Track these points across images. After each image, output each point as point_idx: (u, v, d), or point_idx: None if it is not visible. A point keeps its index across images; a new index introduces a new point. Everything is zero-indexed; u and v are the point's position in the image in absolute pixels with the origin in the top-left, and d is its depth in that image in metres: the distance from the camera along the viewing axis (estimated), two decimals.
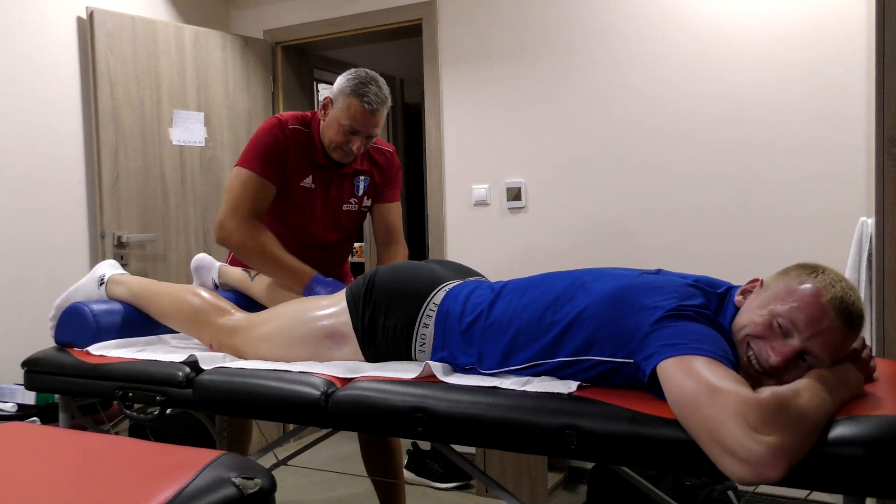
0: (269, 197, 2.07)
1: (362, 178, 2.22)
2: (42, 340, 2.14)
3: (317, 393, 1.47)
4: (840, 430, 1.05)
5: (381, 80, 2.06)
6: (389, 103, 2.07)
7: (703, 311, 1.27)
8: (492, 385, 1.38)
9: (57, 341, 1.98)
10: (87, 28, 3.07)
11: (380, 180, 2.27)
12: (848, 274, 2.30)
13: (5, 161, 2.79)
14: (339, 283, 2.01)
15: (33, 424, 1.38)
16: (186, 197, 3.40)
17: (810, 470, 1.04)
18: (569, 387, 1.32)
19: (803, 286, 1.23)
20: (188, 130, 3.40)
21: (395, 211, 2.32)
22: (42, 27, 2.93)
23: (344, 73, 2.07)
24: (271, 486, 1.00)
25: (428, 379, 1.45)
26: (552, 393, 1.30)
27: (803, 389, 1.08)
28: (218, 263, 2.30)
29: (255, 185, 2.04)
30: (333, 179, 2.16)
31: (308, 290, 1.99)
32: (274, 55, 3.79)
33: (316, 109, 2.13)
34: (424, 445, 3.35)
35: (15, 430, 1.25)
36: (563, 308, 1.41)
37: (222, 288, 2.24)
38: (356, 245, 5.13)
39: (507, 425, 1.28)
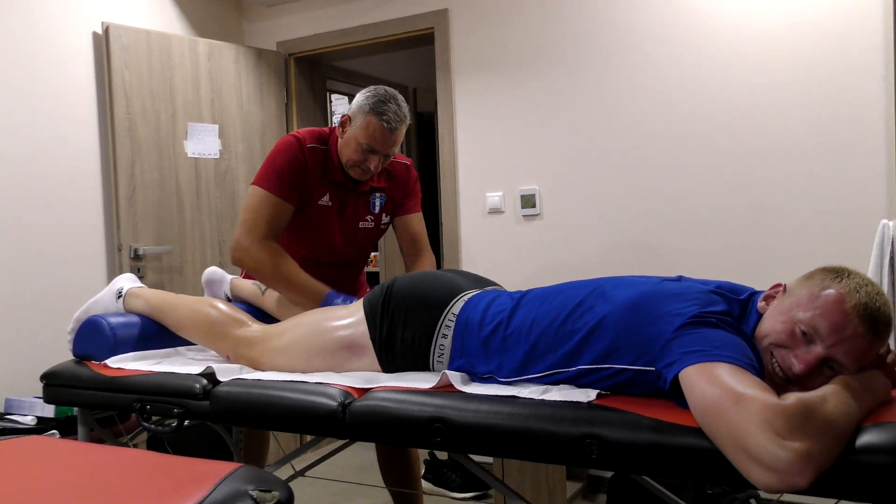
0: (286, 217, 2.05)
1: (378, 195, 2.20)
2: (60, 353, 2.15)
3: (334, 404, 1.46)
4: (868, 438, 1.03)
5: (401, 98, 2.03)
6: (408, 121, 2.04)
7: (726, 317, 1.25)
8: (510, 394, 1.36)
9: (75, 354, 1.98)
10: (102, 43, 3.10)
11: (398, 194, 2.25)
12: (870, 275, 2.27)
13: (23, 174, 2.82)
14: (352, 298, 2.00)
15: (51, 438, 1.38)
16: (202, 209, 3.42)
17: (838, 478, 1.02)
18: (588, 395, 1.30)
19: (826, 292, 1.21)
20: (203, 143, 3.42)
21: (417, 221, 2.30)
22: (58, 42, 2.97)
23: (363, 91, 2.05)
24: (289, 499, 0.99)
25: (445, 389, 1.44)
26: (572, 402, 1.29)
27: (830, 396, 1.06)
28: (229, 276, 2.30)
29: (273, 206, 2.02)
30: (350, 197, 2.15)
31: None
32: (287, 67, 3.81)
33: (329, 120, 2.13)
34: (442, 455, 3.33)
35: (33, 444, 1.25)
36: (583, 316, 1.40)
37: (234, 301, 2.24)
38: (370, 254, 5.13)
39: (526, 435, 1.26)
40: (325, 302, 1.97)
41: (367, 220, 2.20)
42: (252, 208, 2.02)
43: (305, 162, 2.05)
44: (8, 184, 2.76)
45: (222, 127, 3.49)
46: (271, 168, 2.04)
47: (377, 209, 2.21)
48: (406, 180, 2.27)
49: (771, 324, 1.26)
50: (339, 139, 2.08)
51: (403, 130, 2.04)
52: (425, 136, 5.16)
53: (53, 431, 2.42)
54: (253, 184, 2.06)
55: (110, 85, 3.09)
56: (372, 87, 2.04)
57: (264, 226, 2.00)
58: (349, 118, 2.05)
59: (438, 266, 2.84)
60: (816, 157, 2.67)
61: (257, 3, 3.82)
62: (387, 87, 2.04)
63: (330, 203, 2.12)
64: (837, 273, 1.24)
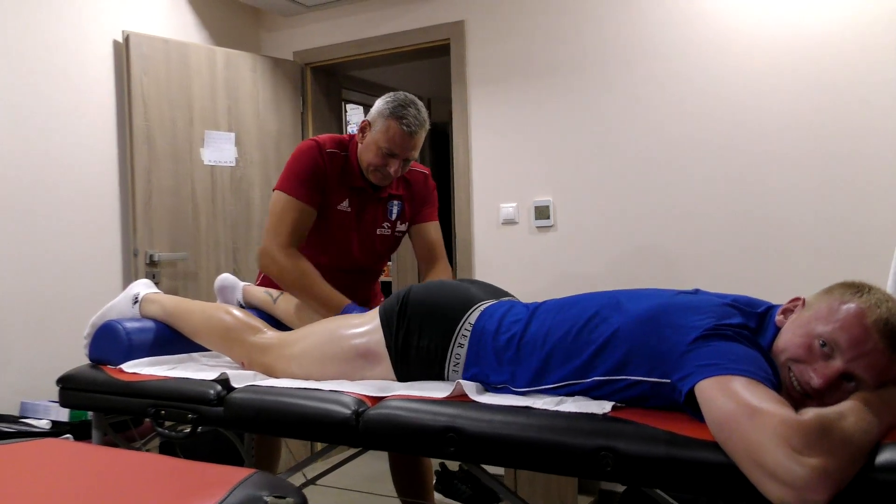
0: (310, 220, 2.07)
1: (395, 202, 2.22)
2: (76, 358, 2.16)
3: (347, 412, 1.46)
4: (887, 455, 1.01)
5: (420, 104, 2.05)
6: (427, 126, 2.06)
7: (742, 330, 1.24)
8: (524, 405, 1.36)
9: (91, 359, 2.00)
10: (122, 51, 3.13)
11: (416, 202, 2.26)
12: (890, 290, 2.25)
13: (41, 179, 2.84)
14: (371, 312, 2.00)
15: (65, 441, 1.39)
16: (217, 216, 3.44)
17: (856, 496, 1.00)
18: (603, 407, 1.30)
19: (846, 306, 1.20)
20: (219, 150, 3.44)
21: (434, 229, 2.31)
22: (80, 50, 3.00)
23: (383, 97, 2.07)
24: None
25: (459, 398, 1.43)
26: (586, 413, 1.28)
27: (848, 412, 1.04)
28: (242, 283, 2.31)
29: (296, 210, 2.04)
30: (368, 204, 2.16)
31: None
32: (303, 76, 3.84)
33: (344, 129, 2.14)
34: (453, 466, 3.32)
35: (47, 447, 1.26)
36: (598, 328, 1.39)
37: (246, 308, 2.25)
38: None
39: (540, 446, 1.26)
40: (345, 313, 1.97)
41: (384, 227, 2.21)
42: (276, 213, 2.05)
43: (325, 166, 2.07)
44: (26, 188, 2.79)
45: (238, 135, 3.51)
46: (293, 173, 2.07)
47: (394, 216, 2.22)
48: (424, 188, 2.28)
49: (789, 337, 1.24)
50: (360, 144, 2.10)
51: (423, 135, 2.05)
52: (439, 146, 5.17)
53: (68, 435, 2.43)
54: (275, 189, 2.09)
55: (129, 92, 3.12)
56: (392, 93, 2.06)
57: (289, 231, 2.03)
58: (369, 123, 2.07)
59: (452, 277, 2.84)
60: (834, 170, 2.66)
61: (274, 14, 3.86)
62: (406, 93, 2.06)
63: (349, 209, 2.13)
64: (858, 288, 1.23)
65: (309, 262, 2.03)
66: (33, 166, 2.82)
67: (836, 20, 2.64)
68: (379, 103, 2.06)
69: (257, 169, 3.56)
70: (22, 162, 2.78)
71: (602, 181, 3.09)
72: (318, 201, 2.08)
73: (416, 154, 2.08)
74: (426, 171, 2.32)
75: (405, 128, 2.00)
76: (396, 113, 2.00)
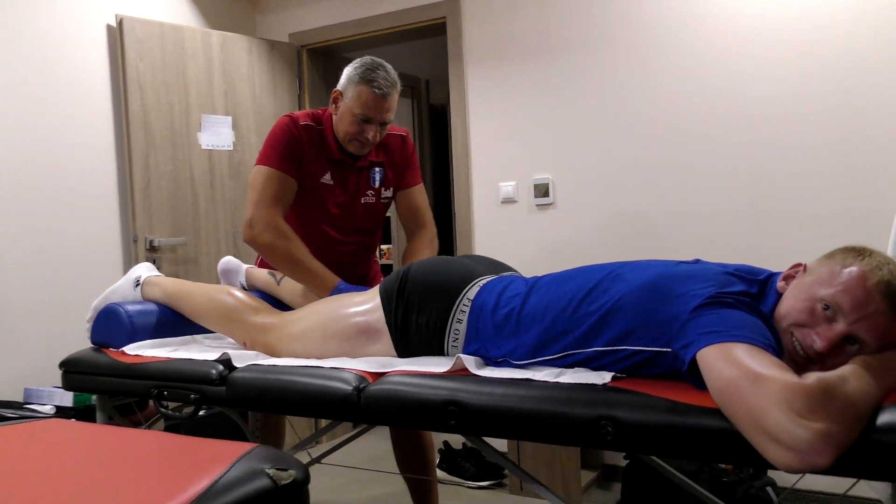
0: (291, 191, 2.07)
1: (377, 169, 2.21)
2: (79, 343, 2.17)
3: (349, 388, 1.46)
4: (888, 417, 1.02)
5: (388, 66, 2.05)
6: (399, 87, 2.06)
7: (743, 297, 1.24)
8: (524, 377, 1.36)
9: (93, 342, 2.01)
10: (116, 35, 3.12)
11: (398, 165, 2.25)
12: (890, 255, 2.24)
13: (39, 167, 2.84)
14: (363, 289, 2.00)
15: (71, 421, 1.40)
16: (216, 200, 3.43)
17: (857, 457, 1.01)
18: (603, 378, 1.30)
19: (848, 269, 1.20)
20: (216, 135, 3.43)
21: (419, 194, 2.30)
22: (73, 35, 2.99)
23: (350, 64, 2.06)
24: (305, 478, 0.99)
25: (460, 372, 1.44)
26: (586, 384, 1.28)
27: (850, 375, 1.05)
28: (245, 266, 2.31)
29: (277, 180, 2.04)
30: (350, 174, 2.16)
31: None
32: (299, 58, 3.82)
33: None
34: (456, 444, 3.34)
35: (53, 426, 1.27)
36: (598, 299, 1.39)
37: (249, 290, 2.25)
38: (384, 247, 5.14)
39: (540, 417, 1.26)
40: (336, 291, 1.97)
41: (368, 196, 2.20)
42: (258, 186, 2.05)
43: (300, 137, 2.07)
44: (24, 175, 2.79)
45: (235, 119, 3.50)
46: (270, 146, 2.07)
47: (377, 183, 2.21)
48: (403, 150, 2.26)
49: (791, 302, 1.25)
50: (334, 116, 2.10)
51: (395, 96, 2.04)
52: (438, 128, 5.15)
53: (70, 420, 2.45)
54: (256, 164, 2.09)
55: (125, 77, 3.10)
56: (358, 59, 2.06)
57: (272, 201, 2.03)
58: (340, 93, 2.07)
59: (451, 255, 2.83)
60: (831, 149, 2.64)
61: None
62: (373, 57, 2.06)
63: (331, 182, 2.13)
64: (859, 252, 1.23)
65: (297, 237, 2.04)
66: (31, 155, 2.81)
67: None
68: (347, 70, 2.06)
69: (255, 152, 3.51)
70: (20, 150, 2.77)
71: (602, 158, 3.08)
72: (298, 173, 2.07)
73: (391, 116, 2.07)
74: (403, 131, 2.29)
75: (377, 90, 1.99)
76: (366, 77, 1.99)
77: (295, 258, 2.00)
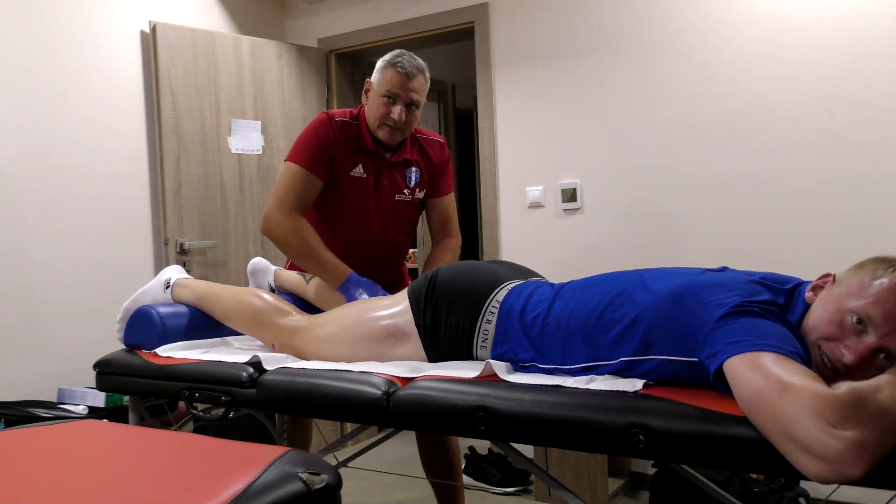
0: (315, 190, 2.10)
1: (413, 168, 2.23)
2: (110, 344, 2.21)
3: (378, 392, 1.47)
4: None
5: (414, 54, 2.11)
6: (427, 73, 2.11)
7: (770, 307, 1.22)
8: (555, 384, 1.36)
9: (126, 343, 2.03)
10: (149, 41, 3.17)
11: (433, 171, 2.27)
12: None
13: (73, 170, 2.89)
14: (375, 284, 2.02)
15: (105, 422, 1.42)
16: (245, 204, 3.47)
17: (891, 469, 0.99)
18: (634, 385, 1.29)
19: (879, 281, 1.18)
20: (246, 139, 3.47)
21: (450, 203, 2.33)
22: (107, 41, 3.04)
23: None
24: (337, 483, 1.00)
25: (489, 378, 1.44)
26: (617, 391, 1.27)
27: (884, 385, 1.03)
28: (273, 267, 2.34)
29: (302, 178, 2.07)
30: (384, 170, 2.17)
31: (343, 289, 2.01)
32: (328, 62, 3.85)
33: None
34: (482, 449, 3.33)
35: (88, 427, 1.29)
36: (623, 306, 1.38)
37: (278, 291, 2.27)
38: (410, 251, 5.16)
39: (571, 424, 1.25)
40: (347, 282, 2.00)
41: (404, 194, 2.22)
42: (282, 182, 2.09)
43: (335, 135, 2.10)
44: (57, 177, 2.84)
45: (265, 123, 3.54)
46: (301, 143, 2.11)
47: (413, 183, 2.23)
48: (440, 157, 2.30)
49: (820, 314, 1.22)
50: (366, 107, 2.14)
51: (421, 80, 2.09)
52: (464, 132, 5.16)
53: (104, 420, 2.49)
54: (286, 160, 2.12)
55: (157, 82, 3.15)
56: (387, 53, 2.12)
57: (293, 198, 2.06)
58: (371, 83, 2.13)
59: (478, 259, 2.83)
60: (862, 153, 2.60)
61: (299, 1, 3.87)
62: (401, 49, 2.13)
63: (364, 175, 2.15)
64: (890, 262, 1.20)
65: (313, 229, 2.07)
66: (65, 157, 2.87)
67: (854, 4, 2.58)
68: (377, 64, 2.13)
69: (284, 156, 3.56)
70: (54, 153, 2.83)
71: (630, 163, 3.06)
72: (326, 174, 2.10)
73: (419, 98, 2.10)
74: (441, 138, 2.34)
75: (400, 69, 2.05)
76: (391, 60, 2.07)
77: (308, 249, 2.04)
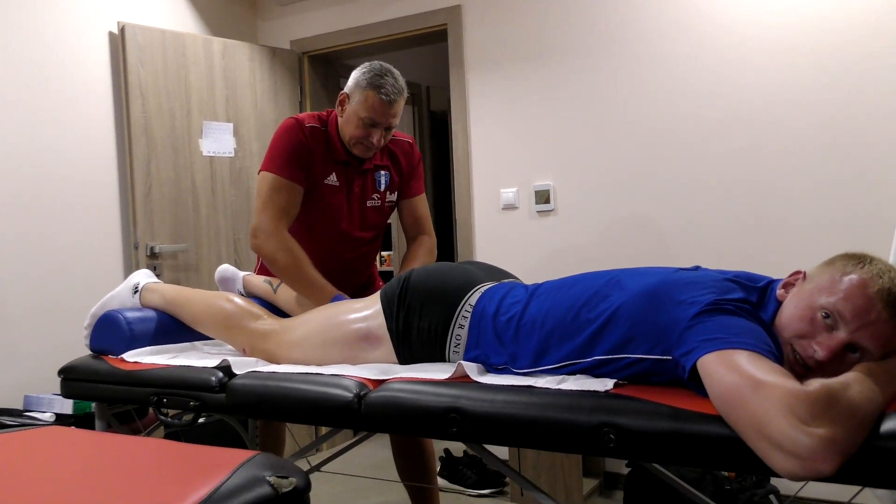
0: (297, 199, 2.07)
1: (383, 172, 2.21)
2: (78, 351, 2.16)
3: (349, 395, 1.46)
4: (892, 424, 1.01)
5: (397, 72, 2.06)
6: (406, 94, 2.06)
7: (743, 304, 1.23)
8: (526, 384, 1.35)
9: (92, 349, 2.00)
10: (118, 42, 3.12)
11: (403, 173, 2.25)
12: (892, 262, 2.24)
13: (40, 173, 2.84)
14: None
15: (71, 428, 1.39)
16: (217, 207, 3.43)
17: (862, 465, 1.00)
18: (605, 385, 1.29)
19: (848, 277, 1.19)
20: (218, 141, 3.43)
21: (421, 204, 2.32)
22: (75, 42, 2.99)
23: (358, 68, 2.07)
24: (306, 486, 0.98)
25: (461, 379, 1.43)
26: (588, 391, 1.27)
27: (853, 382, 1.04)
28: (242, 273, 2.31)
29: (282, 188, 2.04)
30: (355, 176, 2.15)
31: None
32: (301, 65, 3.82)
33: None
34: (457, 452, 3.32)
35: (52, 433, 1.26)
36: (598, 306, 1.38)
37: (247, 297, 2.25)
38: (384, 254, 5.14)
39: (542, 424, 1.25)
40: (332, 302, 1.97)
41: (374, 199, 2.21)
42: (264, 194, 2.05)
43: (307, 142, 2.07)
44: (25, 181, 2.79)
45: (237, 125, 3.50)
46: (276, 152, 2.06)
47: (382, 187, 2.22)
48: (410, 157, 2.27)
49: (791, 311, 1.24)
50: (340, 118, 2.10)
51: (402, 103, 2.05)
52: (439, 134, 5.15)
53: (70, 427, 2.44)
54: (261, 170, 2.08)
55: (126, 84, 3.11)
56: (367, 63, 2.06)
57: (278, 210, 2.02)
58: (347, 96, 2.07)
59: (452, 261, 2.83)
60: (833, 156, 2.64)
61: (271, 2, 3.84)
62: (382, 62, 2.06)
63: (337, 183, 2.13)
64: (859, 259, 1.22)
65: (301, 248, 2.03)
66: (32, 161, 2.81)
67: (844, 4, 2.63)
68: (355, 74, 2.06)
69: (256, 159, 3.55)
70: (21, 156, 2.77)
71: (603, 165, 3.08)
72: (305, 179, 2.07)
73: (397, 121, 2.07)
74: (410, 139, 2.31)
75: (384, 97, 2.00)
76: (374, 83, 2.00)
77: (297, 269, 2.00)
